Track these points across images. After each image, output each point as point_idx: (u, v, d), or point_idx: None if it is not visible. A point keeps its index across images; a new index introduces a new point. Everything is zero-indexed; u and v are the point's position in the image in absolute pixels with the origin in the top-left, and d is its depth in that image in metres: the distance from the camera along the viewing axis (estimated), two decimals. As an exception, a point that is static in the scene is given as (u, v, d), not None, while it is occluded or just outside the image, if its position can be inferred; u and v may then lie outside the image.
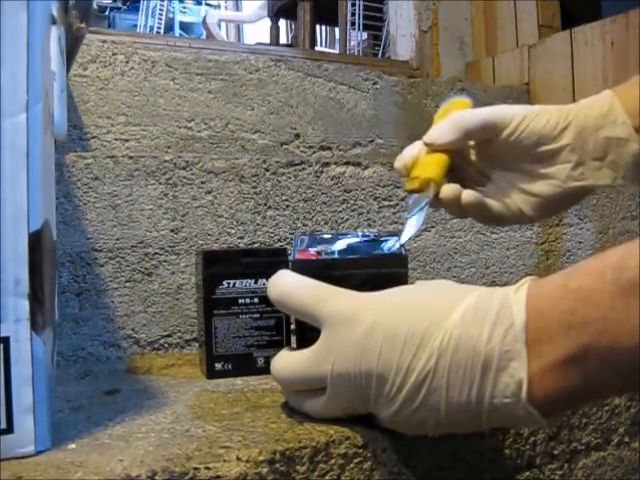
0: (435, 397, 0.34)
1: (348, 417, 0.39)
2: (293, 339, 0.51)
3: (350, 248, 0.49)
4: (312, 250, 0.48)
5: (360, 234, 0.51)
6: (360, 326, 0.36)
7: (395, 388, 0.35)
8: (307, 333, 0.42)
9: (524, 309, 0.33)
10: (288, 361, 0.40)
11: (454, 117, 0.51)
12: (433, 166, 0.51)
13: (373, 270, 0.47)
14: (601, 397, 0.35)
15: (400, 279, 0.47)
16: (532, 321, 0.32)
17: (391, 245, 0.50)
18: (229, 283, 0.55)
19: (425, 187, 0.50)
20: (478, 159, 0.53)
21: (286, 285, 0.41)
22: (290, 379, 0.40)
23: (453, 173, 0.52)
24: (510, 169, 0.52)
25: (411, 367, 0.34)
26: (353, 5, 3.32)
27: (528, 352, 0.32)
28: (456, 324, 0.34)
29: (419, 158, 0.51)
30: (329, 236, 0.51)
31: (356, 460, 0.38)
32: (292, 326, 0.55)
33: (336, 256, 0.48)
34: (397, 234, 0.51)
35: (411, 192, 0.51)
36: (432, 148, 0.51)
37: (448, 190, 0.50)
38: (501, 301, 0.34)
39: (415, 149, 0.51)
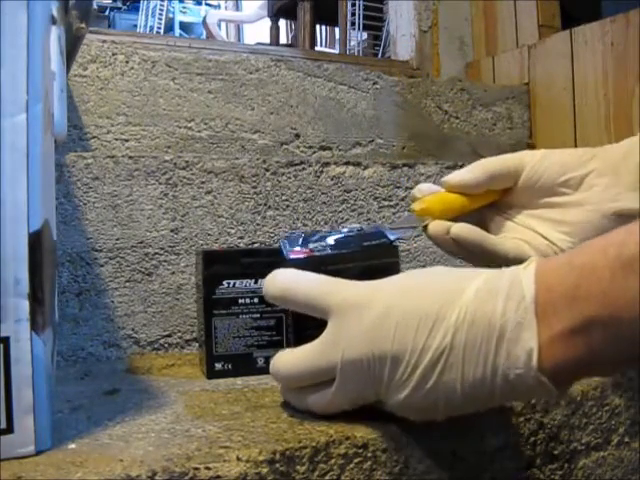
0: (451, 374, 0.35)
1: (353, 409, 0.39)
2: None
3: (340, 243, 0.49)
4: (304, 248, 0.49)
5: (345, 230, 0.52)
6: (372, 311, 0.37)
7: (410, 368, 0.35)
8: (306, 331, 0.42)
9: (533, 283, 0.34)
10: (291, 357, 0.40)
11: (475, 163, 0.51)
12: (440, 201, 0.51)
13: (367, 262, 0.48)
14: (606, 368, 0.36)
15: (393, 270, 0.47)
16: (541, 294, 0.34)
17: (379, 237, 0.50)
18: (229, 283, 0.55)
19: (421, 214, 0.51)
20: (503, 206, 0.53)
21: (288, 280, 0.41)
22: (295, 375, 0.40)
23: (479, 223, 0.52)
24: (538, 206, 0.51)
25: (426, 345, 0.35)
26: (353, 5, 3.32)
27: (538, 323, 0.34)
28: (470, 300, 0.35)
29: (439, 192, 0.52)
30: (317, 233, 0.52)
31: (356, 460, 0.38)
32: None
33: (329, 251, 0.48)
34: (381, 228, 0.52)
35: (410, 211, 0.52)
36: (446, 187, 0.51)
37: (437, 226, 0.50)
38: (511, 278, 0.35)
39: (440, 187, 0.52)
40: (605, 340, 0.33)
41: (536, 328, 0.33)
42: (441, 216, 0.51)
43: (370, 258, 0.49)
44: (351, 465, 0.38)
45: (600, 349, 0.33)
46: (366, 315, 0.37)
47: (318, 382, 0.39)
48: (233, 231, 0.71)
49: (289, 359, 0.40)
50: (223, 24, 7.78)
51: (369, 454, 0.38)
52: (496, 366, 0.34)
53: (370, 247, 0.50)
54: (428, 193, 0.52)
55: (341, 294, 0.39)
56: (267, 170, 0.73)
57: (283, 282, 0.41)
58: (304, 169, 0.75)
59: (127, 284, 0.66)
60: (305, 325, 0.41)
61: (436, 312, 0.35)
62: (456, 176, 0.51)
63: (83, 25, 0.58)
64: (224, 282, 0.55)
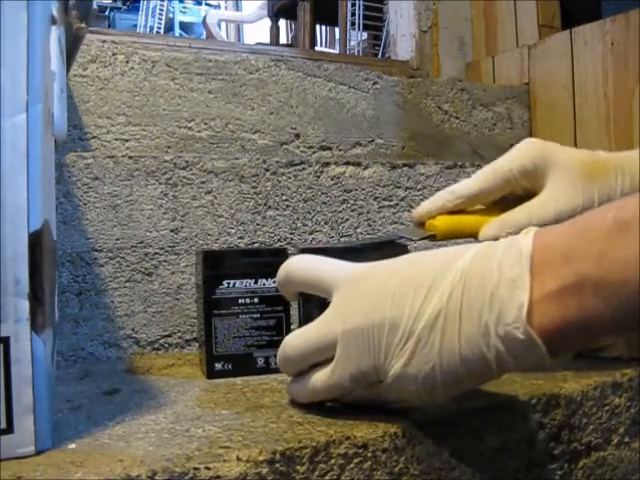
0: (448, 336, 0.35)
1: (354, 387, 0.39)
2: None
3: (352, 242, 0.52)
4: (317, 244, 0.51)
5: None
6: (372, 281, 0.38)
7: (407, 333, 0.36)
8: (314, 312, 0.42)
9: (531, 243, 0.35)
10: (295, 335, 0.41)
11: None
12: (456, 224, 0.53)
13: (375, 256, 0.49)
14: (598, 334, 0.36)
15: None
16: (537, 253, 0.34)
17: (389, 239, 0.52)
18: (229, 283, 0.55)
19: (426, 228, 0.53)
20: None
21: (296, 261, 0.43)
22: (299, 351, 0.41)
23: None
24: None
25: (422, 309, 0.35)
26: (353, 5, 3.32)
27: (531, 280, 0.34)
28: (467, 263, 0.36)
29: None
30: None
31: (356, 460, 0.38)
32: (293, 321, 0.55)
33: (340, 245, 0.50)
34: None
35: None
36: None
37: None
38: (510, 241, 0.36)
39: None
40: (596, 299, 0.33)
41: (529, 284, 0.34)
42: (444, 234, 0.53)
43: (377, 249, 0.51)
44: (351, 465, 0.38)
45: (591, 309, 0.33)
46: (367, 285, 0.38)
47: (322, 360, 0.40)
48: (233, 231, 0.71)
49: (293, 337, 0.41)
50: (223, 24, 7.79)
51: (369, 454, 0.38)
52: (489, 323, 0.34)
53: (378, 243, 0.51)
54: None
55: (345, 270, 0.40)
56: (267, 170, 0.73)
57: (291, 264, 0.43)
58: (304, 169, 0.75)
59: (127, 284, 0.66)
60: (313, 304, 0.42)
61: (433, 277, 0.36)
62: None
63: (83, 25, 0.58)
64: (224, 282, 0.55)
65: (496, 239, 0.49)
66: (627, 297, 0.32)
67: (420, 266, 0.37)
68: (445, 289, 0.35)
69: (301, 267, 0.43)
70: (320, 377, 0.40)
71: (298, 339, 0.41)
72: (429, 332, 0.35)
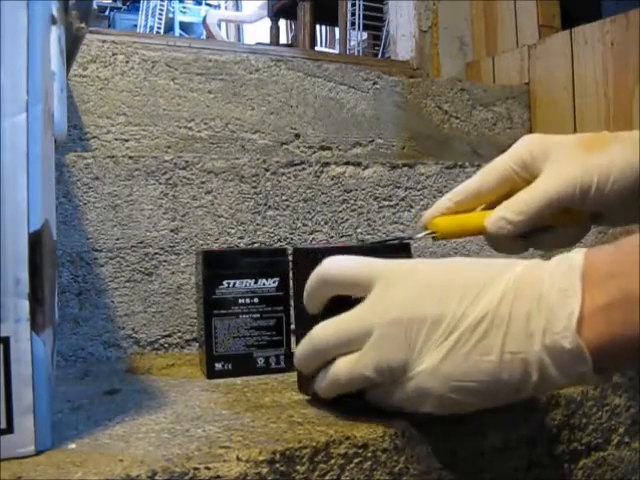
0: (491, 340, 0.35)
1: (376, 379, 0.38)
2: (293, 339, 0.51)
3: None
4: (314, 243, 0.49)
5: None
6: (418, 277, 0.38)
7: (449, 330, 0.36)
8: (335, 313, 0.41)
9: (582, 259, 0.35)
10: (328, 323, 0.40)
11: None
12: (458, 222, 0.52)
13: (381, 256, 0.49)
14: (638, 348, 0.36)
15: None
16: (587, 269, 0.35)
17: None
18: (229, 283, 0.55)
19: (428, 227, 0.53)
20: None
21: (338, 261, 0.41)
22: (330, 337, 0.39)
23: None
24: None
25: (469, 310, 0.36)
26: (353, 5, 3.32)
27: (582, 293, 0.34)
28: (519, 273, 0.36)
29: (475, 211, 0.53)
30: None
31: (356, 460, 0.38)
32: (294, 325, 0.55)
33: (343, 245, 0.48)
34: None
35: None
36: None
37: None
38: (560, 257, 0.36)
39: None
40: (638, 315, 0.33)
41: (580, 295, 0.34)
42: (446, 234, 0.52)
43: (385, 253, 0.50)
44: (351, 465, 0.38)
45: (634, 325, 0.33)
46: (409, 282, 0.38)
47: (350, 350, 0.39)
48: (233, 231, 0.71)
49: (322, 327, 0.40)
50: (223, 24, 7.79)
51: (369, 454, 0.38)
52: (536, 331, 0.34)
53: (380, 243, 0.50)
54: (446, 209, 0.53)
55: (386, 265, 0.40)
56: (267, 170, 0.73)
57: (328, 267, 0.41)
58: (304, 169, 0.75)
59: (127, 284, 0.66)
60: (337, 305, 0.41)
61: (484, 281, 0.36)
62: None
63: (83, 25, 0.58)
64: (224, 282, 0.55)
65: (502, 224, 0.49)
66: None
67: (465, 272, 0.38)
68: (495, 295, 0.35)
69: (337, 267, 0.41)
70: (345, 362, 0.39)
71: (328, 329, 0.40)
72: (472, 332, 0.35)
